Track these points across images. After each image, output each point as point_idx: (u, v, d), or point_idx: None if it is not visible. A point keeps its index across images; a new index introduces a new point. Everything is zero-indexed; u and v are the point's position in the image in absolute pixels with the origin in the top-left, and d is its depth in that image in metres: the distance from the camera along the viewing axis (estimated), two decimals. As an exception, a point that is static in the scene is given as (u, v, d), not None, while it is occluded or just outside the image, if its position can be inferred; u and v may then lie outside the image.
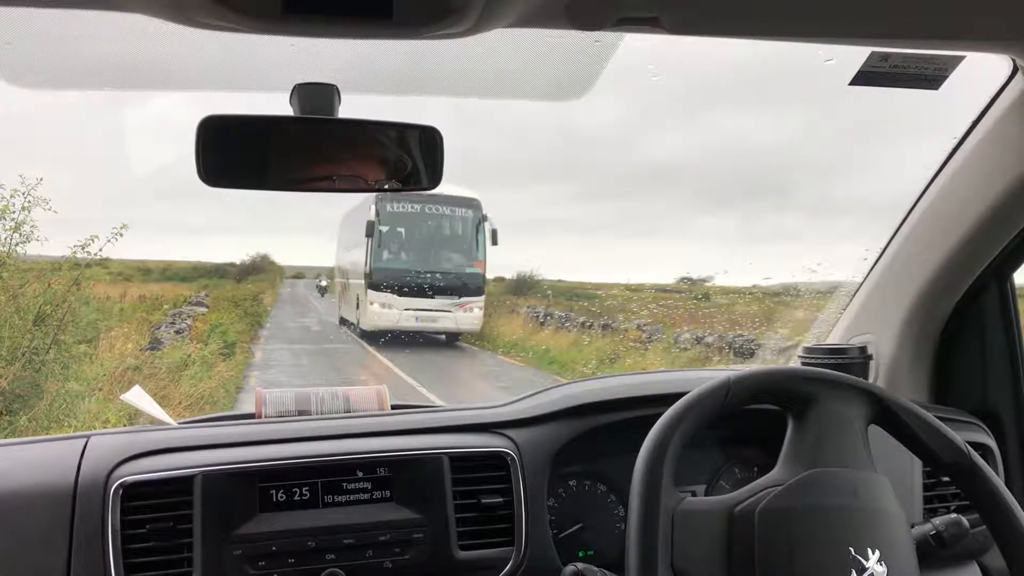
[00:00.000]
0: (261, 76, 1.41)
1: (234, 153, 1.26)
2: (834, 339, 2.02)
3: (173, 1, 0.96)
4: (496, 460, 1.51)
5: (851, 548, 1.08)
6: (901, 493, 1.16)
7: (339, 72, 1.32)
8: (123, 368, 9.05)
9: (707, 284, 14.49)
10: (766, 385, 1.20)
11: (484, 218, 16.14)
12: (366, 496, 1.44)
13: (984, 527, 1.20)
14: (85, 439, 1.42)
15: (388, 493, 1.45)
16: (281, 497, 1.40)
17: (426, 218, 16.50)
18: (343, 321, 19.90)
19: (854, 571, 1.07)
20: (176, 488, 1.35)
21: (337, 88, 1.26)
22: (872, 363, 1.85)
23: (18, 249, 7.81)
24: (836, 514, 1.11)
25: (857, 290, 1.98)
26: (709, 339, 12.33)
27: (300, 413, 1.62)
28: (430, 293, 15.51)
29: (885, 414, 1.20)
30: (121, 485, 1.33)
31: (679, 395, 1.18)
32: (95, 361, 8.85)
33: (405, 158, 1.32)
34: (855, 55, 1.41)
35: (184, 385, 9.14)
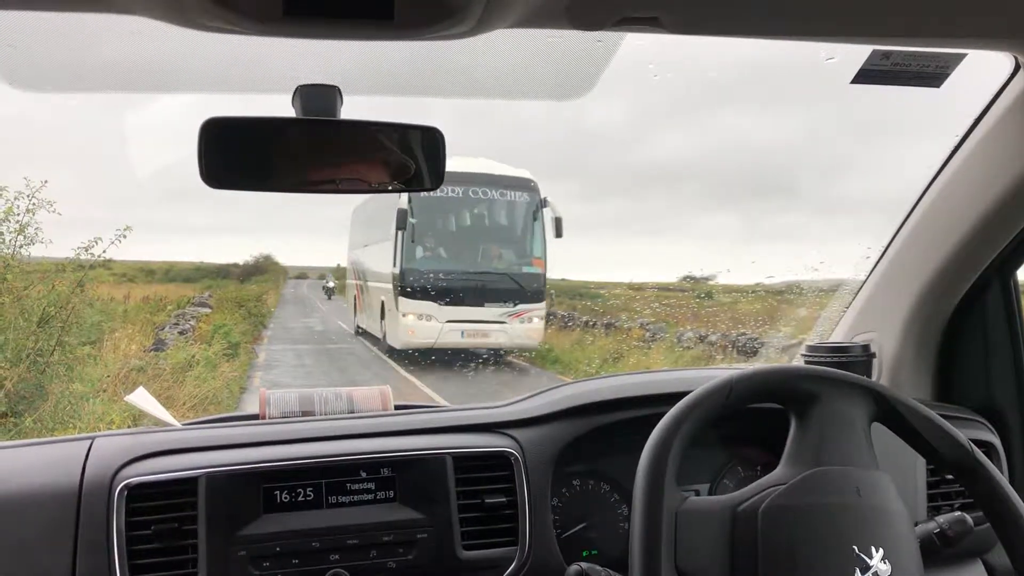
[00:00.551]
0: (263, 78, 1.42)
1: (236, 155, 1.26)
2: (837, 337, 2.02)
3: (175, 4, 0.97)
4: (500, 460, 1.51)
5: (855, 547, 1.08)
6: (905, 491, 1.16)
7: (341, 73, 1.32)
8: (127, 369, 9.07)
9: (710, 283, 14.37)
10: (768, 384, 1.20)
11: (543, 202, 12.91)
12: (370, 496, 1.44)
13: (988, 525, 1.20)
14: (90, 440, 1.43)
15: (392, 493, 1.45)
16: (285, 498, 1.40)
17: (471, 204, 13.14)
18: (361, 331, 16.73)
19: (858, 570, 1.07)
20: (181, 489, 1.36)
21: (339, 89, 1.26)
22: (875, 361, 1.85)
23: (22, 251, 7.83)
24: (839, 513, 1.11)
25: (860, 288, 1.98)
26: (712, 338, 12.33)
27: (304, 414, 1.62)
28: (478, 300, 12.41)
29: (887, 412, 1.20)
30: (126, 486, 1.33)
31: (682, 394, 1.19)
32: (99, 362, 8.87)
33: (407, 159, 1.32)
34: (856, 53, 1.40)
35: (188, 386, 9.15)
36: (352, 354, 15.27)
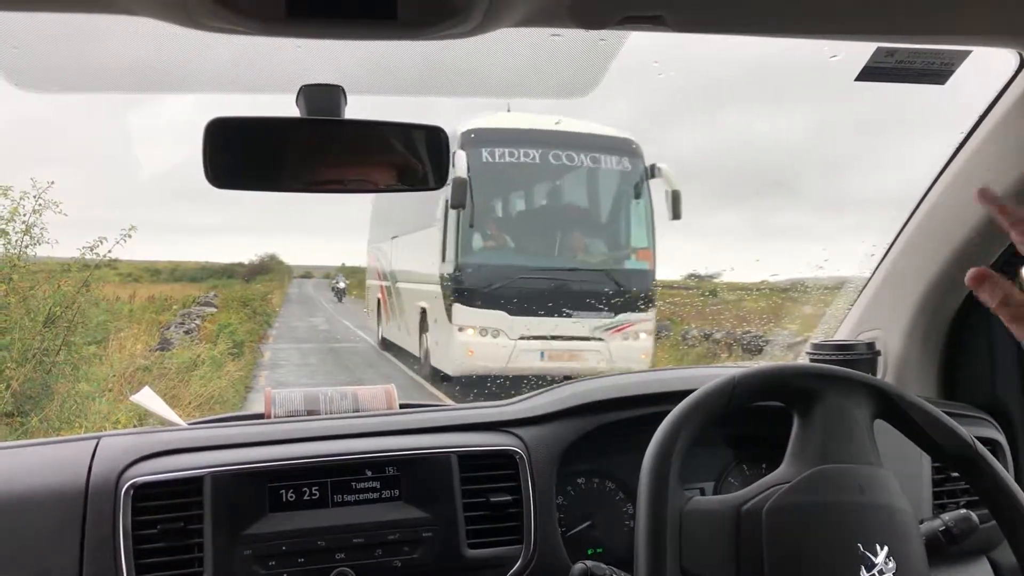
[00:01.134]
0: (267, 78, 1.42)
1: (241, 155, 1.26)
2: (842, 335, 2.02)
3: (178, 4, 0.97)
4: (504, 458, 1.51)
5: (860, 544, 1.08)
6: (910, 488, 1.16)
7: (345, 73, 1.32)
8: (133, 369, 9.10)
9: (715, 280, 14.23)
10: (771, 382, 1.20)
11: (650, 171, 9.50)
12: (375, 495, 1.44)
13: (993, 522, 1.20)
14: (96, 440, 1.43)
15: (397, 492, 1.45)
16: (291, 497, 1.40)
17: (551, 174, 9.74)
18: (387, 344, 13.80)
19: (863, 568, 1.07)
20: (187, 488, 1.36)
21: (343, 89, 1.26)
22: (880, 359, 1.85)
23: (28, 251, 7.85)
24: (844, 511, 1.11)
25: (865, 286, 1.97)
26: (717, 335, 12.31)
27: (309, 413, 1.63)
28: (564, 308, 9.04)
29: (890, 408, 1.20)
30: (132, 486, 1.34)
31: (685, 393, 1.19)
32: (105, 362, 8.90)
33: (411, 158, 1.33)
34: (861, 51, 1.40)
35: (194, 385, 9.18)
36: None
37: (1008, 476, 1.19)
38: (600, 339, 9.37)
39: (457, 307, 9.43)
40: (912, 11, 1.18)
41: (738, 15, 1.16)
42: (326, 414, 1.62)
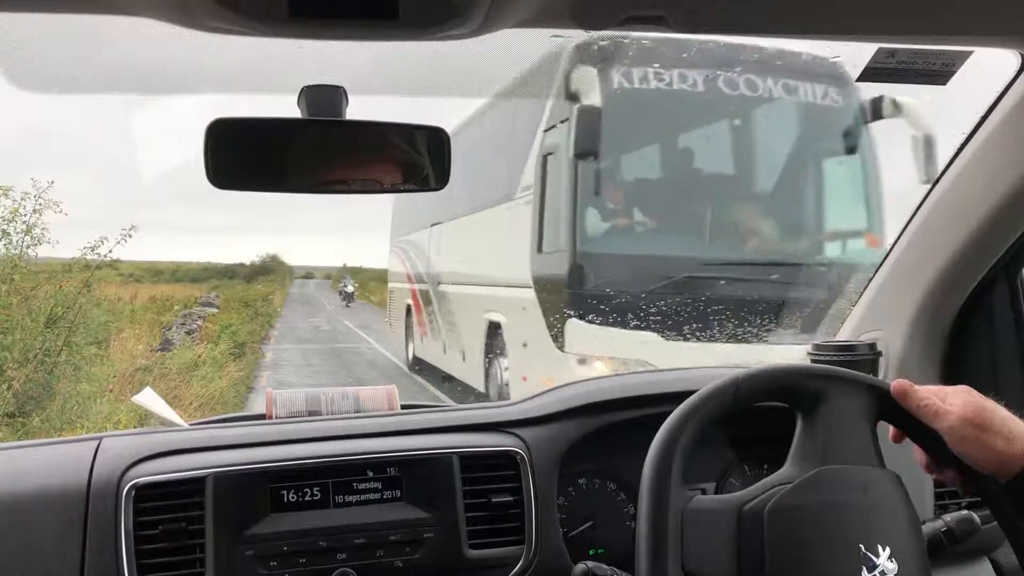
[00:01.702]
0: (269, 79, 1.42)
1: (243, 155, 1.26)
2: (844, 336, 2.02)
3: (180, 5, 0.97)
4: (506, 459, 1.52)
5: (861, 545, 1.08)
6: (912, 489, 1.16)
7: (347, 74, 1.32)
8: (134, 369, 9.11)
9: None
10: (774, 382, 1.20)
11: (871, 109, 5.86)
12: (376, 496, 1.44)
13: (995, 523, 1.20)
14: (98, 441, 1.43)
15: (398, 493, 1.46)
16: (292, 497, 1.40)
17: (719, 111, 6.07)
18: (419, 365, 10.83)
19: (865, 568, 1.07)
20: (188, 489, 1.36)
21: (344, 90, 1.26)
22: (882, 360, 1.84)
23: (29, 252, 7.86)
24: (846, 511, 1.11)
25: (866, 287, 1.97)
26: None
27: (311, 413, 1.63)
28: (755, 323, 5.70)
29: (893, 409, 1.20)
30: (134, 486, 1.34)
31: (687, 393, 1.18)
32: (106, 362, 8.91)
33: (413, 159, 1.33)
34: (862, 51, 1.40)
35: (195, 386, 9.19)
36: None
37: None
38: None
39: (574, 325, 5.82)
40: (913, 12, 1.18)
41: (740, 16, 1.16)
42: (327, 415, 1.63)
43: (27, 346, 7.36)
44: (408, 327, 11.38)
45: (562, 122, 5.68)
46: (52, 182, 7.88)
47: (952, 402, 1.14)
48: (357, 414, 1.64)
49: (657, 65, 5.61)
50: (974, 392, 1.15)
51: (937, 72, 1.44)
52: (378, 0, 0.95)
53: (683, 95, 5.79)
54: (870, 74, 1.45)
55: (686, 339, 5.62)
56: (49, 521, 1.32)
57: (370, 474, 1.45)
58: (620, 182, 6.11)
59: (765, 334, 5.71)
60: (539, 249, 6.45)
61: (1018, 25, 1.26)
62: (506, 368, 7.26)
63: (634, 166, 6.31)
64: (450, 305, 9.20)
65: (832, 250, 6.46)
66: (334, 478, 1.43)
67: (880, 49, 1.38)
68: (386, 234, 12.69)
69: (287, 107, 1.26)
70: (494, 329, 7.55)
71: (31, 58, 1.31)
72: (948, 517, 1.31)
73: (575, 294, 5.83)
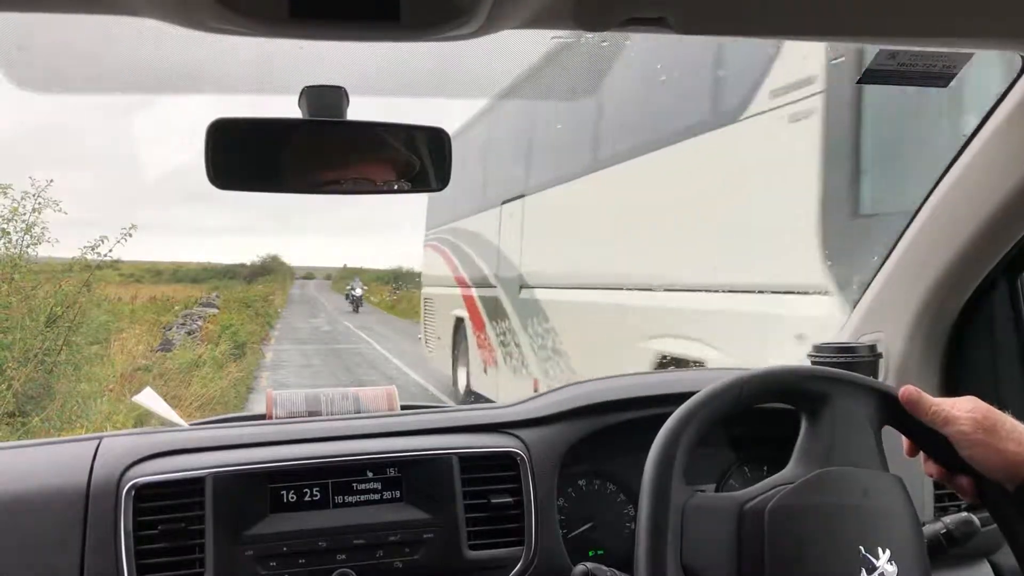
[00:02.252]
0: (270, 79, 1.42)
1: (243, 156, 1.27)
2: (844, 337, 2.02)
3: (181, 5, 0.97)
4: (506, 460, 1.51)
5: (861, 547, 1.08)
6: (912, 492, 1.16)
7: (347, 74, 1.32)
8: (134, 369, 9.12)
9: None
10: (779, 384, 1.20)
11: None
12: (376, 496, 1.44)
13: (994, 525, 1.19)
14: (97, 440, 1.43)
15: (398, 493, 1.45)
16: (292, 498, 1.40)
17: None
18: (472, 397, 8.21)
19: (864, 570, 1.07)
20: (188, 489, 1.36)
21: (345, 90, 1.26)
22: (882, 361, 1.84)
23: (29, 251, 7.87)
24: (847, 513, 1.11)
25: (867, 288, 1.97)
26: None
27: (310, 414, 1.63)
28: None
29: (898, 414, 1.20)
30: (133, 486, 1.34)
31: (689, 394, 1.18)
32: (106, 362, 8.92)
33: (414, 159, 1.33)
34: (863, 53, 1.40)
35: (195, 386, 9.19)
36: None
37: None
38: None
39: None
40: (914, 13, 1.18)
41: (741, 17, 1.16)
42: (327, 415, 1.63)
43: (27, 345, 7.37)
44: (456, 346, 8.76)
45: None
46: (51, 181, 7.90)
47: (961, 408, 1.14)
48: (357, 414, 1.64)
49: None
50: (980, 401, 1.15)
51: (938, 74, 1.44)
52: (379, 1, 0.95)
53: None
54: (871, 76, 1.45)
55: None
56: (49, 521, 1.31)
57: (370, 474, 1.45)
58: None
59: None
60: (856, 211, 3.58)
61: (1020, 27, 1.25)
62: None
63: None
64: (552, 321, 6.29)
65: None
66: (334, 478, 1.43)
67: (881, 51, 1.38)
68: (386, 234, 12.09)
69: (288, 107, 1.26)
70: (664, 366, 4.70)
71: (31, 58, 1.31)
72: (948, 519, 1.31)
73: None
